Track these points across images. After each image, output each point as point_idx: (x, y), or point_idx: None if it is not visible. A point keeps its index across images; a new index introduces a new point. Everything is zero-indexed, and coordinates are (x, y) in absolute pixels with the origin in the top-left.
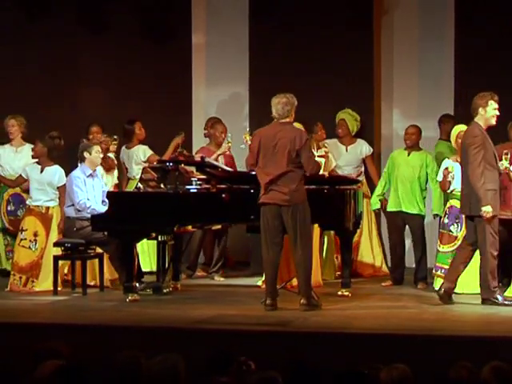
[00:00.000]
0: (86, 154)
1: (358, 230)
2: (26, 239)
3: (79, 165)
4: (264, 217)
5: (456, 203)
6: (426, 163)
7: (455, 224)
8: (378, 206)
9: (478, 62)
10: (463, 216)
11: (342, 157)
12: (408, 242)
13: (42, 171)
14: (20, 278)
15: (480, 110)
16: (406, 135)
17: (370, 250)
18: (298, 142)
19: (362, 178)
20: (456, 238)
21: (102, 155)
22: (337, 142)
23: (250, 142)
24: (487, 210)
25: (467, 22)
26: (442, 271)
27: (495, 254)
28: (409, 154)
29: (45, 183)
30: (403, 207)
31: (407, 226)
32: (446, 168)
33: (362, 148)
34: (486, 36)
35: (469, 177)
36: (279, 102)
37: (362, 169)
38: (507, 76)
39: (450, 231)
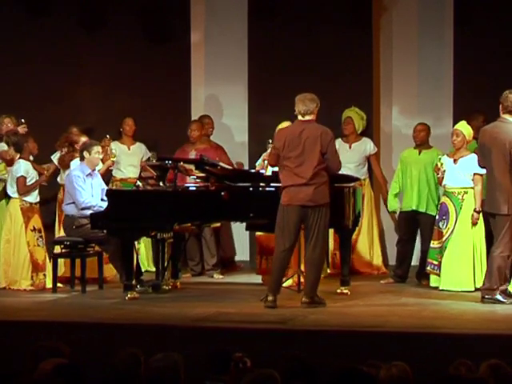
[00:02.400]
0: (85, 154)
1: (357, 228)
2: (38, 238)
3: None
4: (285, 217)
5: (446, 200)
6: (435, 161)
7: (443, 221)
8: (397, 206)
9: (478, 61)
10: (450, 213)
11: (343, 154)
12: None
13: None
14: (40, 275)
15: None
16: (415, 133)
17: (369, 248)
18: (324, 140)
19: (365, 176)
20: (443, 234)
21: (101, 156)
22: (340, 140)
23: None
24: None
25: (466, 21)
26: (432, 267)
27: (504, 254)
28: (419, 153)
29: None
30: (416, 207)
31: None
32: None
33: (367, 146)
34: (485, 35)
35: (493, 173)
36: (305, 97)
37: (365, 167)
38: (507, 76)
39: (439, 227)
